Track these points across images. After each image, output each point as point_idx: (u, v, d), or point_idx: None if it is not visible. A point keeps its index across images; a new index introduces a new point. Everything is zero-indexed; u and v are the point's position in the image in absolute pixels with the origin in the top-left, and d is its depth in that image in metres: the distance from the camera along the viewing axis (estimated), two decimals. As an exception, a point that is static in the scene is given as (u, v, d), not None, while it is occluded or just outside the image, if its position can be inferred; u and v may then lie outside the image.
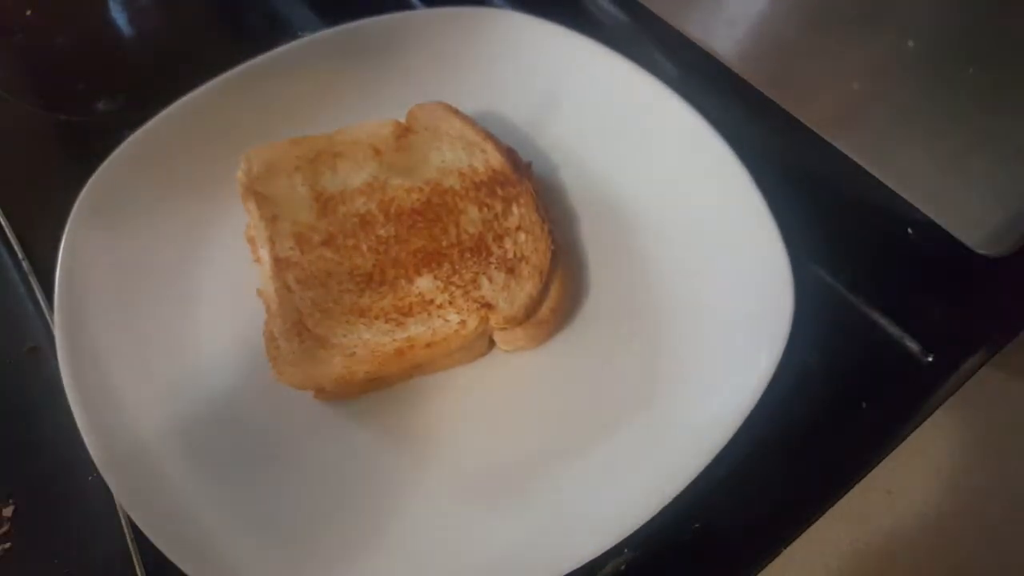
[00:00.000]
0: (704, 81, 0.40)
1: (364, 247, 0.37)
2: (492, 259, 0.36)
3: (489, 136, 0.40)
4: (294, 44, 0.42)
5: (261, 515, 0.33)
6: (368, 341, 0.34)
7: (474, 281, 0.35)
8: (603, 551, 0.30)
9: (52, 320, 0.36)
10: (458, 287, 0.35)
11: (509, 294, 0.35)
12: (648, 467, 0.33)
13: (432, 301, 0.35)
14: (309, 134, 0.40)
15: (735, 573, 0.33)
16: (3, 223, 0.42)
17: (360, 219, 0.38)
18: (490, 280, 0.35)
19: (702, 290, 0.37)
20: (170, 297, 0.37)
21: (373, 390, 0.36)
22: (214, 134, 0.40)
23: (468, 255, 0.36)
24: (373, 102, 0.41)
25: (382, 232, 0.37)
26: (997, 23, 0.30)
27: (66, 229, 0.37)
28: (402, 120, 0.40)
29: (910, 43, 0.32)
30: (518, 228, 0.37)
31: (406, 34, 0.43)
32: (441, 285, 0.35)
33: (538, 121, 0.43)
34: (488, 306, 0.35)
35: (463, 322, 0.34)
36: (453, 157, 0.39)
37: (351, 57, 0.43)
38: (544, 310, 0.36)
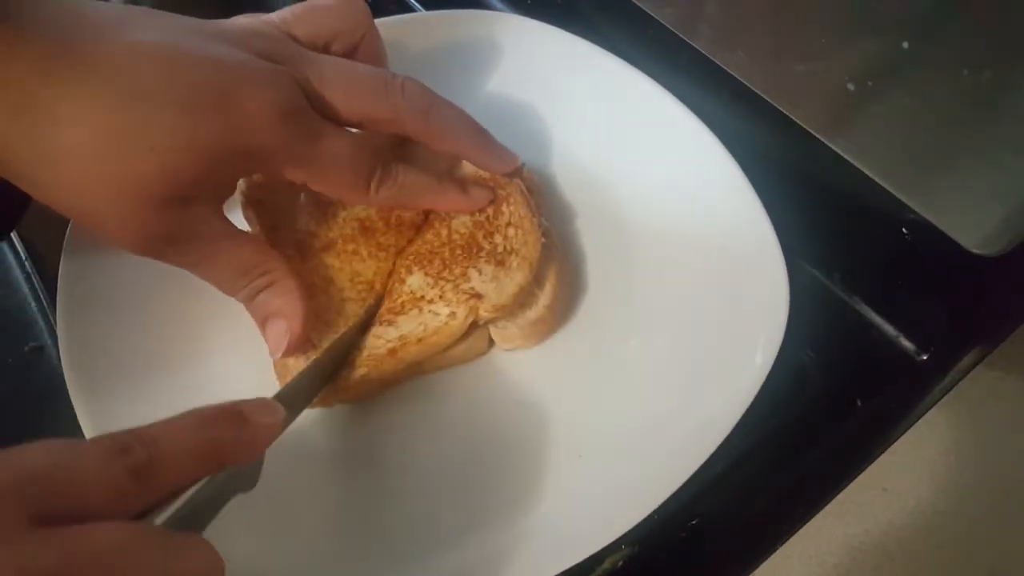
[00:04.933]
0: (699, 82, 0.41)
1: (364, 252, 0.37)
2: (482, 254, 0.36)
3: None
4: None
5: (262, 513, 0.33)
6: (364, 346, 0.35)
7: (464, 274, 0.36)
8: (601, 547, 0.30)
9: (55, 320, 0.36)
10: (448, 281, 0.35)
11: (498, 284, 0.35)
12: (646, 464, 0.33)
13: (423, 297, 0.35)
14: None
15: (732, 569, 0.34)
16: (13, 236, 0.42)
17: (360, 224, 0.38)
18: (480, 272, 0.35)
19: (698, 289, 0.37)
20: (174, 298, 0.37)
21: (373, 392, 0.36)
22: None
23: (459, 251, 0.36)
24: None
25: (382, 240, 0.37)
26: (993, 24, 0.30)
27: (69, 227, 0.37)
28: None
29: (905, 44, 0.32)
30: (508, 224, 0.37)
31: (405, 37, 0.44)
32: (431, 281, 0.36)
33: (536, 122, 0.43)
34: (477, 296, 0.35)
35: (453, 313, 0.34)
36: (446, 169, 0.39)
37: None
38: (541, 308, 0.36)
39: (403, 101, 0.34)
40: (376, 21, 0.43)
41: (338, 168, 0.33)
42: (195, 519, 0.24)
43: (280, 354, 0.34)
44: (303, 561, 0.32)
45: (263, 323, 0.34)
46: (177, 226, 0.31)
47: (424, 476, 0.34)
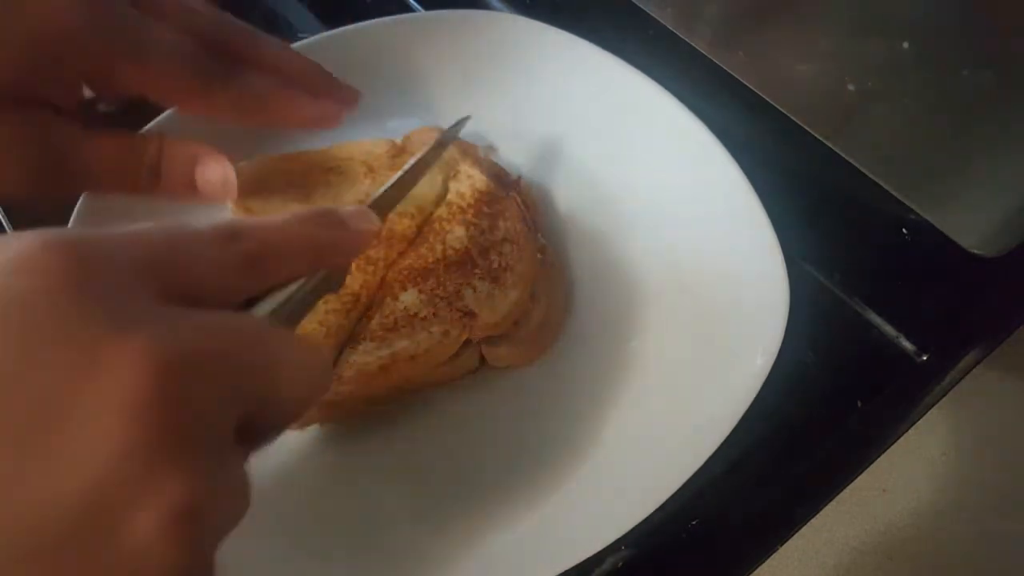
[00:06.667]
0: (699, 82, 0.41)
1: (352, 264, 0.37)
2: (477, 271, 0.36)
3: (478, 158, 0.40)
4: (293, 47, 0.42)
5: (257, 529, 0.32)
6: (354, 363, 0.34)
7: (457, 292, 0.35)
8: (601, 547, 0.30)
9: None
10: (442, 299, 0.35)
11: (492, 302, 0.35)
12: (646, 464, 0.33)
13: (416, 315, 0.35)
14: (305, 143, 0.39)
15: (732, 570, 0.34)
16: (3, 221, 0.42)
17: None
18: (474, 290, 0.35)
19: (698, 291, 0.37)
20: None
21: (359, 410, 0.36)
22: (208, 143, 0.39)
23: (453, 268, 0.36)
24: (370, 106, 0.41)
25: (371, 252, 0.37)
26: (993, 24, 0.30)
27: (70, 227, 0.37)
28: (398, 141, 0.40)
29: (905, 44, 0.32)
30: (503, 240, 0.36)
31: (405, 37, 0.44)
32: (425, 298, 0.35)
33: (534, 124, 0.43)
34: (471, 314, 0.34)
35: (446, 332, 0.34)
36: (442, 183, 0.39)
37: (349, 60, 0.43)
38: (533, 327, 0.35)
39: (231, 20, 0.34)
40: (376, 21, 0.43)
41: (170, 60, 0.31)
42: (288, 318, 0.24)
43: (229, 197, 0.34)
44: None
45: (182, 184, 0.33)
46: (26, 133, 0.30)
47: (423, 481, 0.34)
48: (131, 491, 0.16)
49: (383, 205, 0.31)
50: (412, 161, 0.34)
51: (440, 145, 0.37)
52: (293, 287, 0.24)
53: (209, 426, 0.18)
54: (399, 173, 0.33)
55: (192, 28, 0.33)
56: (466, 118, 0.40)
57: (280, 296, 0.23)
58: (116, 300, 0.18)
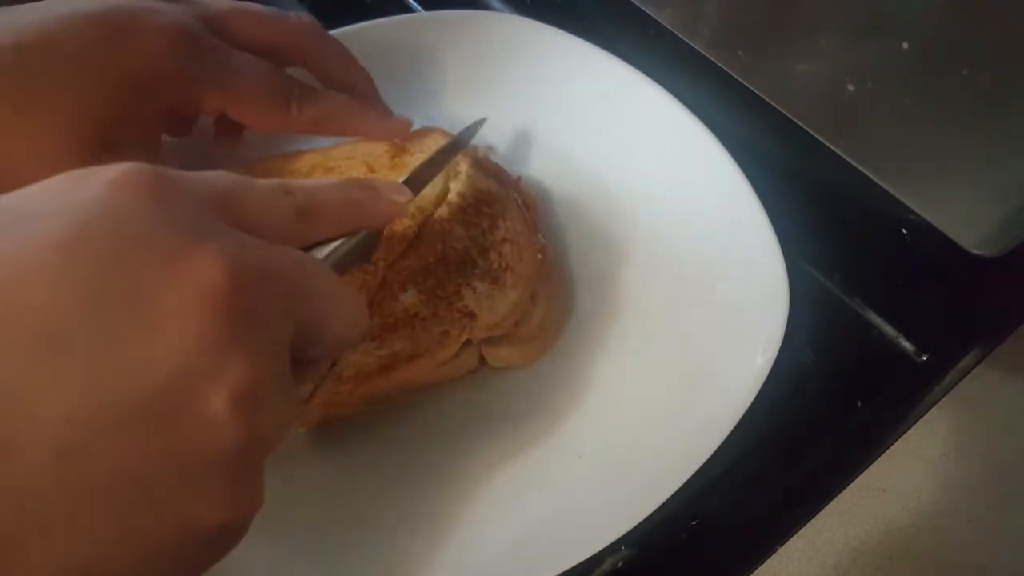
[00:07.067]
0: (699, 82, 0.41)
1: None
2: (476, 271, 0.36)
3: (478, 159, 0.40)
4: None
5: (254, 529, 0.32)
6: (354, 363, 0.34)
7: (457, 292, 0.35)
8: (601, 547, 0.30)
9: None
10: (441, 299, 0.35)
11: (492, 302, 0.35)
12: (646, 464, 0.33)
13: (416, 315, 0.35)
14: (305, 143, 0.40)
15: (732, 570, 0.34)
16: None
17: None
18: (474, 290, 0.35)
19: (698, 290, 0.37)
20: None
21: (359, 410, 0.36)
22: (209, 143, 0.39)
23: (453, 268, 0.36)
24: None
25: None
26: (993, 24, 0.30)
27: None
28: (398, 141, 0.40)
29: (904, 44, 0.32)
30: (503, 240, 0.36)
31: (405, 37, 0.44)
32: (425, 298, 0.35)
33: (534, 125, 0.43)
34: (471, 315, 0.34)
35: (446, 332, 0.34)
36: (442, 183, 0.38)
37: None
38: (533, 327, 0.35)
39: (302, 24, 0.36)
40: (376, 22, 0.43)
41: (255, 85, 0.34)
42: None
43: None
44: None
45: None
46: None
47: (422, 481, 0.34)
48: (207, 366, 0.19)
49: (416, 185, 0.33)
50: (426, 157, 0.36)
51: (454, 146, 0.38)
52: (331, 246, 0.26)
53: (269, 329, 0.21)
54: (419, 163, 0.35)
55: (267, 43, 0.35)
56: (482, 120, 0.40)
57: (321, 253, 0.26)
58: (196, 217, 0.20)
